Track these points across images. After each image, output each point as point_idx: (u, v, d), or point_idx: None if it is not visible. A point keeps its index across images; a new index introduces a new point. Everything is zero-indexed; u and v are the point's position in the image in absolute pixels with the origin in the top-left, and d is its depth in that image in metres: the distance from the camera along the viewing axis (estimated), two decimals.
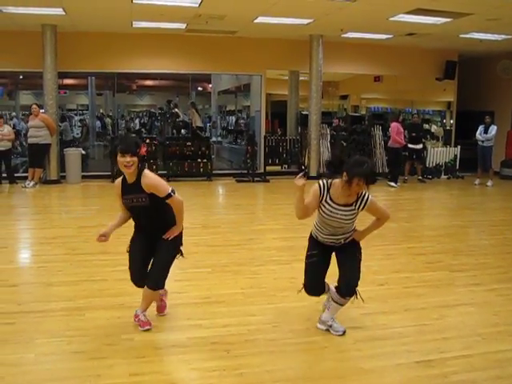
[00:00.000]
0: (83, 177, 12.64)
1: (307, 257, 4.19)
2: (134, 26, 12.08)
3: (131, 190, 3.89)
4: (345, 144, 14.23)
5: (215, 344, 3.83)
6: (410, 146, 13.40)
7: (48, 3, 9.97)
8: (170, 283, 5.00)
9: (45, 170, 12.32)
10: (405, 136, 13.01)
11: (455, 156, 14.68)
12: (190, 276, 5.42)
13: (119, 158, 3.79)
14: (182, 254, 4.24)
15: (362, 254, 4.14)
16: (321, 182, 3.96)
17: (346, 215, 3.92)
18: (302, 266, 5.00)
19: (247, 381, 3.36)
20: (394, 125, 12.70)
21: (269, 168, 13.77)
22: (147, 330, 4.05)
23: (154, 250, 4.04)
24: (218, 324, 4.20)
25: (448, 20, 10.79)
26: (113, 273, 5.31)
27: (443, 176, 14.48)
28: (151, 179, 3.89)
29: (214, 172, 13.56)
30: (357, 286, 3.98)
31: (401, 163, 13.08)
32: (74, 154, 12.56)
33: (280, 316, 4.46)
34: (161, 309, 4.42)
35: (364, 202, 3.93)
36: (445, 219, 9.27)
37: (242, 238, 7.23)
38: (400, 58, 14.52)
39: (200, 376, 3.42)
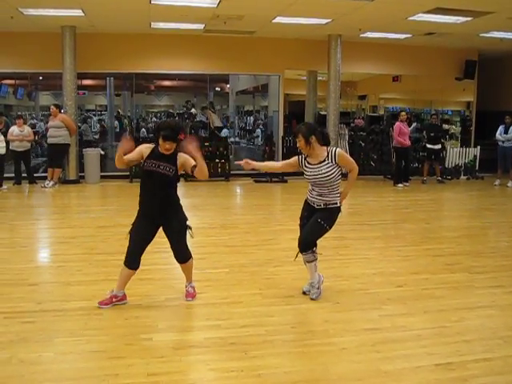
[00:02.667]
0: (102, 177, 12.72)
1: (300, 219, 4.86)
2: (152, 26, 12.13)
3: (163, 159, 4.35)
4: (363, 144, 14.16)
5: (233, 345, 3.82)
6: (428, 146, 13.30)
7: (67, 5, 10.04)
8: None
9: (64, 170, 12.42)
10: (410, 137, 12.83)
11: (475, 156, 14.53)
12: (208, 276, 5.42)
13: (161, 143, 4.30)
14: (190, 228, 4.58)
15: (333, 227, 4.75)
16: (299, 155, 4.81)
17: (325, 170, 4.60)
18: (320, 266, 4.99)
19: (265, 382, 3.35)
20: (396, 125, 12.56)
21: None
22: (190, 300, 4.66)
23: (154, 235, 4.48)
24: (236, 324, 4.19)
25: (468, 19, 10.68)
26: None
27: (462, 177, 14.34)
28: (184, 155, 4.41)
29: (231, 172, 13.57)
30: (307, 244, 4.67)
31: (407, 163, 12.88)
32: (92, 154, 12.65)
33: (298, 317, 4.45)
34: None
35: (333, 154, 4.62)
36: (464, 220, 9.18)
37: (260, 238, 7.22)
38: (419, 57, 14.41)
39: (218, 377, 3.42)
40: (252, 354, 3.69)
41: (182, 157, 4.41)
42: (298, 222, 4.88)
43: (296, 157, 4.82)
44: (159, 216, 4.44)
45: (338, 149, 4.71)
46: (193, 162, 4.36)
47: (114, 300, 4.52)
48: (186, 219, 4.55)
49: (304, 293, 4.90)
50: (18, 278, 5.31)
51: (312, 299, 4.77)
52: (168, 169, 4.35)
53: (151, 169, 4.35)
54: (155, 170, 4.34)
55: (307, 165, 4.70)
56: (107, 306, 4.46)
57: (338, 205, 4.71)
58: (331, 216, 4.71)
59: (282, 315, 4.44)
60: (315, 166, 4.63)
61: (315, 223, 4.66)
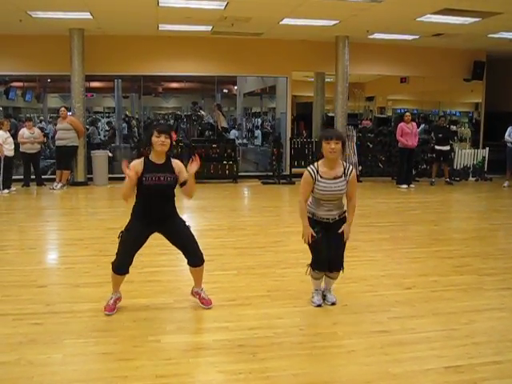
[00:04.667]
0: (110, 179, 12.74)
1: (312, 236, 4.49)
2: (160, 29, 12.16)
3: (160, 170, 4.25)
4: (371, 146, 14.13)
5: (241, 347, 3.81)
6: (436, 147, 13.26)
7: (75, 8, 10.09)
8: None
9: (72, 172, 12.46)
10: (419, 138, 12.77)
11: (483, 158, 14.47)
12: (216, 278, 5.41)
13: (155, 138, 4.19)
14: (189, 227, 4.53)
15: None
16: (308, 168, 4.51)
17: (338, 186, 4.42)
18: None
19: None
20: (399, 126, 12.51)
21: (294, 170, 13.74)
22: (210, 308, 4.52)
23: (146, 240, 4.37)
24: (244, 326, 4.18)
25: (476, 20, 10.65)
26: (139, 274, 5.33)
27: (471, 178, 14.28)
28: (179, 162, 4.38)
29: (239, 174, 13.57)
30: (342, 265, 4.55)
31: (410, 165, 12.78)
32: (100, 156, 12.69)
33: (306, 319, 4.44)
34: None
35: (350, 172, 4.47)
36: (473, 222, 9.13)
37: (268, 240, 7.21)
38: (427, 58, 14.38)
39: (226, 379, 3.41)
40: (260, 356, 3.68)
41: (177, 164, 4.34)
42: (310, 241, 4.50)
43: (307, 173, 4.48)
44: (159, 224, 4.35)
45: (353, 168, 4.56)
46: (186, 176, 4.31)
47: (117, 303, 4.50)
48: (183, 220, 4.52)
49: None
50: (26, 280, 5.33)
51: (334, 303, 4.70)
52: (169, 178, 4.25)
53: (152, 183, 4.22)
54: (157, 183, 4.22)
55: (320, 179, 4.42)
56: (113, 312, 4.44)
57: (345, 213, 4.59)
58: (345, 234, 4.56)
59: (291, 317, 4.42)
60: (331, 182, 4.40)
61: (342, 244, 4.54)
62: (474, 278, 5.60)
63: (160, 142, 4.18)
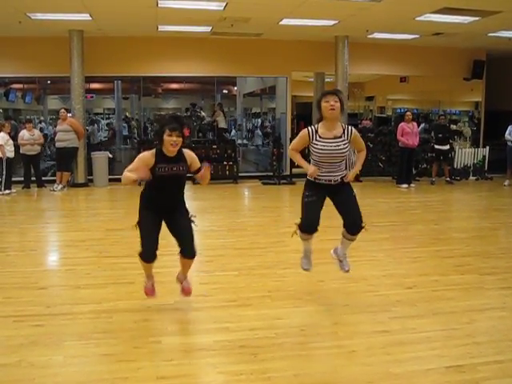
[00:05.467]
0: (110, 180, 12.74)
1: (304, 197, 4.57)
2: (159, 29, 12.17)
3: (171, 161, 4.18)
4: (371, 145, 14.12)
5: (242, 347, 3.81)
6: (436, 147, 13.25)
7: (75, 9, 10.09)
8: (196, 286, 5.02)
9: (72, 173, 12.46)
10: (420, 138, 12.77)
11: (484, 157, 14.46)
12: (217, 279, 5.42)
13: (166, 137, 4.08)
14: (194, 217, 4.47)
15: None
16: (309, 127, 4.52)
17: (338, 146, 4.41)
18: (329, 268, 4.99)
19: None
20: (399, 125, 12.51)
21: (295, 170, 13.73)
22: (187, 296, 4.58)
23: (161, 224, 4.34)
24: (245, 327, 4.17)
25: (476, 19, 10.64)
26: (140, 275, 5.30)
27: (471, 177, 14.27)
28: (191, 153, 4.35)
29: (239, 174, 13.57)
30: (362, 221, 4.52)
31: (410, 165, 12.76)
32: (101, 158, 12.69)
33: (307, 319, 4.43)
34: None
35: (350, 131, 4.46)
36: (474, 221, 9.12)
37: (269, 240, 7.21)
38: (426, 58, 14.36)
39: (227, 380, 3.41)
40: (261, 356, 3.67)
41: (188, 155, 4.30)
42: (302, 201, 4.59)
43: (305, 130, 4.51)
44: (167, 212, 4.33)
45: (353, 127, 4.55)
46: (199, 164, 4.30)
47: (154, 286, 4.57)
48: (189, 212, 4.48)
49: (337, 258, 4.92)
50: (27, 282, 5.33)
51: (347, 271, 4.87)
52: (181, 168, 4.22)
53: (165, 173, 4.17)
54: (170, 173, 4.18)
55: (319, 139, 4.43)
56: (154, 295, 4.54)
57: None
58: (351, 186, 4.64)
59: (291, 318, 4.42)
60: (330, 141, 4.41)
61: (354, 200, 4.58)
62: (475, 277, 5.59)
63: (172, 142, 4.08)
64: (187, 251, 4.40)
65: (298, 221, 4.63)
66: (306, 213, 4.57)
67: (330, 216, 4.74)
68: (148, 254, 4.29)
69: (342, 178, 4.53)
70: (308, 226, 4.57)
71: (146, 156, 4.22)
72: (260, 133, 18.02)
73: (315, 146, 4.43)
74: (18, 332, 4.04)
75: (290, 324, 4.28)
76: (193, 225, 4.41)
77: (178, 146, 4.13)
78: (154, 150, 4.23)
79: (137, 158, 4.27)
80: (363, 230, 4.58)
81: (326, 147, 4.40)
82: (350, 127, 4.49)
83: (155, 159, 4.17)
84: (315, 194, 4.54)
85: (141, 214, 4.36)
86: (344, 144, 4.43)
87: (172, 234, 4.46)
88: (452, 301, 4.84)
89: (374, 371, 3.49)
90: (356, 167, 4.64)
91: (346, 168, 4.62)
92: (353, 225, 4.57)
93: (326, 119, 4.43)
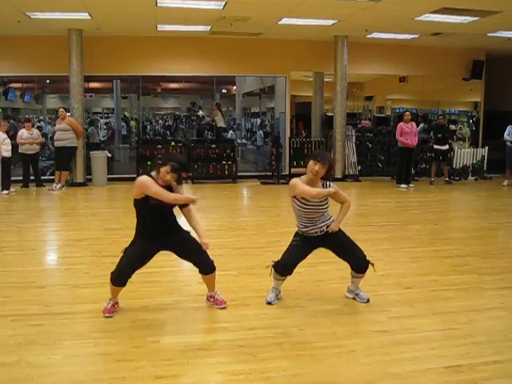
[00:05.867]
0: (109, 179, 12.74)
1: (293, 240, 4.68)
2: (158, 29, 12.16)
3: (165, 188, 4.23)
4: (370, 145, 14.13)
5: (241, 347, 3.81)
6: (435, 147, 13.24)
7: (74, 8, 10.08)
8: (195, 286, 5.02)
9: (71, 172, 12.46)
10: (419, 138, 12.76)
11: (483, 157, 14.47)
12: (216, 279, 5.36)
13: (164, 173, 4.18)
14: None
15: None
16: (293, 179, 4.55)
17: (319, 201, 4.45)
18: (328, 268, 4.98)
19: None
20: (398, 125, 12.51)
21: (294, 170, 13.73)
22: (224, 308, 4.54)
23: (150, 258, 4.40)
24: (244, 327, 4.17)
25: (475, 19, 10.65)
26: (139, 275, 5.29)
27: (470, 177, 14.27)
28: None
29: (238, 174, 13.57)
30: (366, 258, 4.59)
31: (409, 165, 12.70)
32: (99, 157, 12.68)
33: (306, 319, 4.42)
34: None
35: (328, 185, 4.51)
36: (473, 221, 9.12)
37: (268, 240, 7.20)
38: (426, 58, 14.37)
39: (226, 379, 3.40)
40: (260, 356, 3.67)
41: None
42: (291, 243, 4.68)
43: (299, 180, 4.52)
44: (164, 239, 4.34)
45: (332, 183, 4.56)
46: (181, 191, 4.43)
47: (116, 307, 4.48)
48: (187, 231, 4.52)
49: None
50: (25, 281, 5.32)
51: (367, 301, 4.77)
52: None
53: (157, 203, 4.19)
54: (161, 203, 4.20)
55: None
56: (113, 314, 4.41)
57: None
58: (341, 232, 4.64)
59: (290, 317, 4.42)
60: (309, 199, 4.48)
61: (349, 240, 4.64)
62: (474, 277, 5.60)
63: (167, 178, 4.20)
64: (205, 269, 4.50)
65: (276, 259, 4.68)
66: (287, 254, 4.65)
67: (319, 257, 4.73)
68: (119, 279, 4.33)
69: (327, 226, 4.54)
70: (283, 267, 4.62)
71: (149, 182, 4.24)
72: (262, 134, 17.96)
73: (298, 201, 4.50)
74: (17, 331, 4.04)
75: (288, 324, 4.28)
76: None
77: (169, 182, 4.26)
78: (149, 178, 4.27)
79: (151, 183, 4.22)
80: (371, 265, 4.63)
81: (308, 203, 4.46)
82: (328, 183, 4.53)
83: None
84: (303, 243, 4.62)
85: (132, 243, 4.39)
86: (322, 201, 4.49)
87: (183, 258, 4.53)
88: (451, 301, 4.84)
89: (373, 371, 3.50)
90: (338, 218, 4.57)
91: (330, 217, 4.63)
92: (360, 266, 4.63)
93: (308, 177, 4.48)
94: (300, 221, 4.59)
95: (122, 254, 4.35)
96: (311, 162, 4.41)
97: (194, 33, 12.59)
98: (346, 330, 4.15)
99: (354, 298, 4.81)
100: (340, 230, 4.61)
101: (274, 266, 4.67)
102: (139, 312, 4.50)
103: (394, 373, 3.46)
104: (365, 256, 4.60)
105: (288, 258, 4.62)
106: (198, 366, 3.63)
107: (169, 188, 4.27)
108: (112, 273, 4.35)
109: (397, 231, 7.90)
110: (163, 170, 4.19)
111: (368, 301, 4.73)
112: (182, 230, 4.48)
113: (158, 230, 4.30)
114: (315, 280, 5.31)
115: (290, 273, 4.63)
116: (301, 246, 4.62)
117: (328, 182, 4.55)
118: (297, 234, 4.69)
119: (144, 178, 4.26)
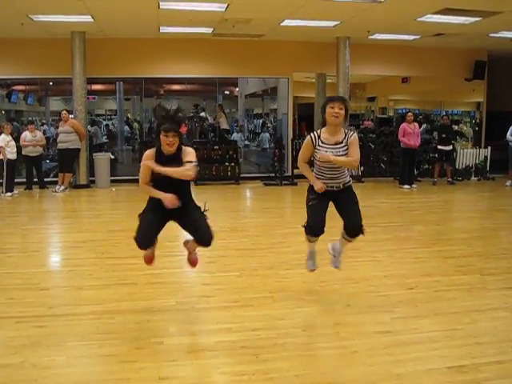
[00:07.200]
0: (112, 181, 12.77)
1: (308, 200, 4.63)
2: (161, 31, 12.18)
3: (171, 160, 4.13)
4: (373, 146, 14.13)
5: (244, 348, 3.81)
6: (439, 147, 13.23)
7: (77, 11, 10.10)
8: (198, 287, 5.04)
9: (74, 174, 12.48)
10: (421, 138, 12.76)
11: (485, 157, 14.45)
12: (219, 280, 5.42)
13: (162, 137, 4.08)
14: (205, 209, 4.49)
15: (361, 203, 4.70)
16: (311, 133, 4.55)
17: (338, 152, 4.43)
18: (331, 269, 4.97)
19: None
20: (401, 126, 12.51)
21: (297, 171, 13.73)
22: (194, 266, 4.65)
23: (163, 225, 4.32)
24: (247, 328, 4.18)
25: (477, 19, 10.64)
26: (142, 276, 5.34)
27: (473, 178, 14.26)
28: (190, 150, 4.26)
29: (241, 175, 13.58)
30: (362, 226, 4.60)
31: (412, 165, 12.72)
32: (102, 159, 12.71)
33: (309, 320, 4.44)
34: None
35: (351, 135, 4.48)
36: (475, 221, 9.11)
37: (271, 241, 7.21)
38: (428, 58, 14.36)
39: (229, 380, 3.41)
40: (263, 357, 3.68)
41: (187, 152, 4.24)
42: (306, 205, 4.67)
43: (308, 136, 4.56)
44: (175, 213, 4.23)
45: (355, 133, 4.57)
46: (190, 158, 4.19)
47: (155, 255, 4.55)
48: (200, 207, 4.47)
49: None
50: (29, 283, 5.34)
51: (336, 267, 4.94)
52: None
53: (160, 175, 4.13)
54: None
55: (322, 144, 4.48)
56: (152, 263, 4.58)
57: (350, 181, 4.71)
58: (354, 193, 4.70)
59: (293, 318, 4.42)
60: (331, 147, 4.45)
61: (356, 205, 4.65)
62: (477, 277, 5.59)
63: (167, 142, 4.09)
64: (202, 238, 4.39)
65: (304, 223, 4.65)
66: (310, 215, 4.61)
67: (332, 217, 4.73)
68: (144, 241, 4.26)
69: (343, 185, 4.58)
70: (313, 228, 4.60)
71: (149, 153, 4.23)
72: (268, 136, 17.87)
73: (318, 151, 4.47)
74: (21, 333, 4.05)
75: (291, 325, 4.28)
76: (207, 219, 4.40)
77: (175, 144, 4.12)
78: (154, 149, 4.24)
79: (142, 163, 4.22)
80: (362, 235, 4.66)
81: (328, 153, 4.44)
82: (351, 132, 4.52)
83: (155, 159, 4.17)
84: (318, 198, 4.58)
85: (145, 210, 4.36)
86: (344, 150, 4.46)
87: (187, 230, 4.45)
88: (454, 301, 4.84)
89: (376, 371, 3.50)
90: (339, 158, 4.46)
91: (348, 174, 4.69)
92: (352, 228, 4.63)
93: (328, 124, 4.47)
94: (319, 171, 4.57)
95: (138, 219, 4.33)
96: (328, 107, 4.37)
97: (196, 35, 12.60)
98: (348, 331, 4.15)
99: (334, 256, 4.91)
100: (353, 191, 4.68)
101: (305, 231, 4.66)
102: (143, 313, 4.50)
103: (396, 373, 3.46)
104: (361, 224, 4.61)
105: (313, 218, 4.58)
106: (201, 366, 3.64)
107: (176, 157, 4.15)
108: (134, 239, 4.24)
109: (400, 232, 7.90)
110: (161, 137, 4.10)
111: (337, 267, 4.93)
112: (193, 205, 4.42)
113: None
114: (318, 281, 5.31)
115: (323, 230, 4.57)
116: (317, 204, 4.58)
117: (351, 133, 4.52)
118: (310, 188, 4.64)
119: (145, 153, 4.26)
